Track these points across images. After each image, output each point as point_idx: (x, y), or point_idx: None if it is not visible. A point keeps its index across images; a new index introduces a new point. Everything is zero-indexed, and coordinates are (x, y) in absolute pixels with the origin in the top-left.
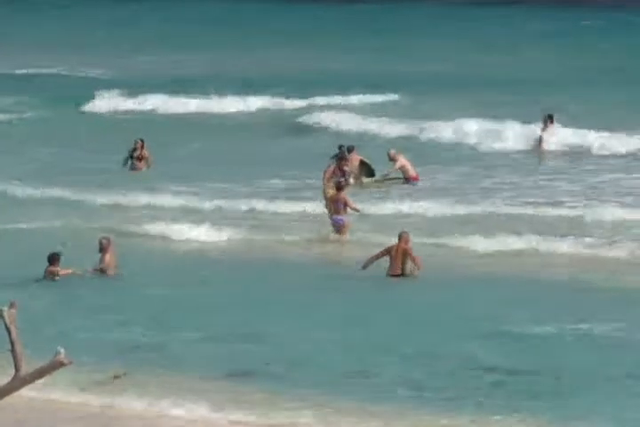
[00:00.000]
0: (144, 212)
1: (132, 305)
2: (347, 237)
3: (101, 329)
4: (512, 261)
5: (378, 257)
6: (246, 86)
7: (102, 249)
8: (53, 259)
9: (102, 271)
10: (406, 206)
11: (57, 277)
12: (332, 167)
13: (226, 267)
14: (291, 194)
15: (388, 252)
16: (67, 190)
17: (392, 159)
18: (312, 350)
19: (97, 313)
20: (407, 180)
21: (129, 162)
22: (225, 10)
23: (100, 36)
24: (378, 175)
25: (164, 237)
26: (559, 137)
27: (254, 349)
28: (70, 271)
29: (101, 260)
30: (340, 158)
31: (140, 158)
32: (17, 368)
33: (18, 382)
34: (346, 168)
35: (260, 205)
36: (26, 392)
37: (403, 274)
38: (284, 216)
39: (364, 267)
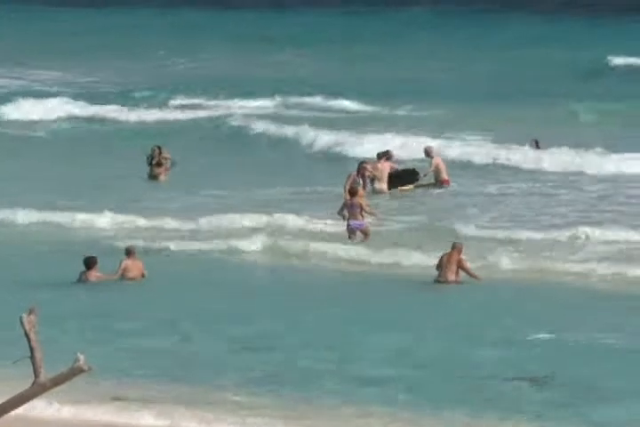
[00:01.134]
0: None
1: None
2: (368, 240)
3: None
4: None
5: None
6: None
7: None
8: (91, 262)
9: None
10: None
11: (92, 281)
12: (353, 173)
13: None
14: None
15: (440, 261)
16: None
17: (428, 155)
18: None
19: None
20: (439, 183)
21: (148, 169)
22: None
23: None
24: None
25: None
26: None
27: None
28: (104, 276)
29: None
30: (361, 164)
31: (159, 164)
32: (36, 375)
33: (38, 389)
34: (368, 173)
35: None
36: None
37: (449, 282)
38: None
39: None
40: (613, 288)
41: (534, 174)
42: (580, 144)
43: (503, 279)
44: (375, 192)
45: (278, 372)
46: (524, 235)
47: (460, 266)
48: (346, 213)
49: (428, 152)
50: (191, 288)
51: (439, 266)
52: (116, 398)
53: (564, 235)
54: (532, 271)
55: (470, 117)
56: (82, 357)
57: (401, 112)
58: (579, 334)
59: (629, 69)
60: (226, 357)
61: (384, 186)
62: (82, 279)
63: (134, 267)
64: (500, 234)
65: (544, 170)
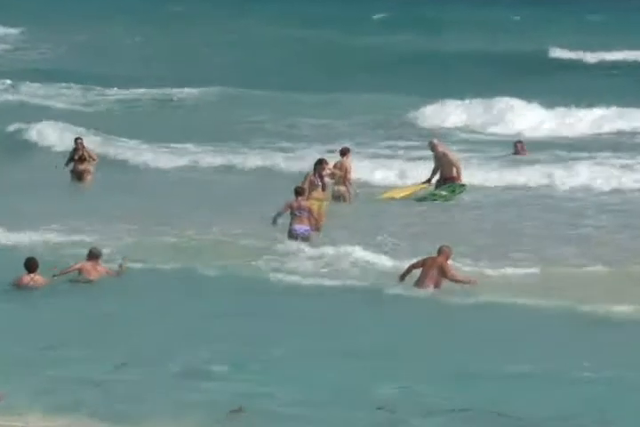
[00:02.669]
0: None
1: None
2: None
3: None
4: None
5: (415, 267)
6: None
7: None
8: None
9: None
10: None
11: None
12: (310, 173)
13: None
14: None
15: (422, 264)
16: None
17: (432, 149)
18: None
19: None
20: (446, 180)
21: (70, 165)
22: None
23: None
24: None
25: None
26: None
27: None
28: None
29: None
30: (319, 163)
31: (82, 159)
32: None
33: None
34: (327, 172)
35: None
36: None
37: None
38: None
39: (401, 278)
40: None
41: None
42: None
43: None
44: (335, 196)
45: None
46: None
47: (444, 274)
48: (279, 220)
49: (431, 147)
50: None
51: (418, 266)
52: None
53: None
54: None
55: None
56: None
57: None
58: None
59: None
60: None
61: (344, 188)
62: (20, 284)
63: (93, 270)
64: None
65: None
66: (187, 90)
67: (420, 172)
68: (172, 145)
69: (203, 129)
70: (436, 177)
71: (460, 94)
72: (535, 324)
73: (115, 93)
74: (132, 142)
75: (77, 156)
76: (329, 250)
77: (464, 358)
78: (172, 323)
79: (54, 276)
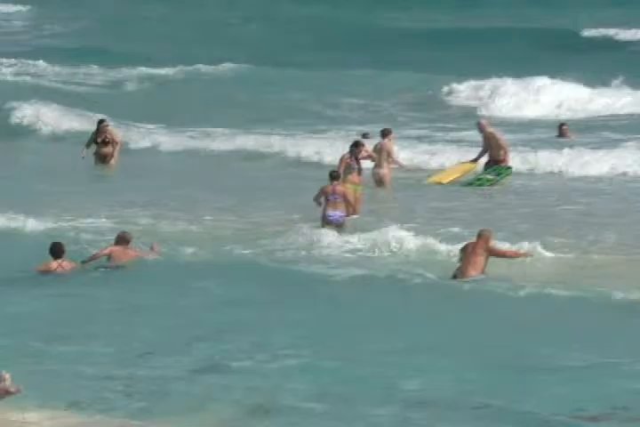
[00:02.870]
0: None
1: None
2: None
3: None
4: None
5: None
6: None
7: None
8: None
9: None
10: None
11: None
12: (345, 155)
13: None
14: None
15: (464, 250)
16: None
17: (480, 130)
18: None
19: None
20: (494, 162)
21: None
22: None
23: None
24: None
25: None
26: None
27: None
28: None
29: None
30: (356, 145)
31: (106, 142)
32: None
33: None
34: (364, 154)
35: None
36: None
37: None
38: None
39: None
40: None
41: None
42: None
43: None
44: (375, 180)
45: None
46: None
47: (494, 255)
48: (322, 200)
49: (480, 127)
50: None
51: (460, 258)
52: None
53: None
54: None
55: None
56: (7, 375)
57: None
58: None
59: None
60: None
61: (384, 171)
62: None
63: (123, 255)
64: None
65: None
66: (212, 67)
67: (462, 154)
68: (197, 128)
69: (231, 111)
70: (485, 158)
71: (494, 73)
72: (578, 313)
73: (133, 72)
74: (153, 126)
75: (101, 139)
76: (362, 237)
77: (504, 350)
78: (195, 313)
79: (83, 262)
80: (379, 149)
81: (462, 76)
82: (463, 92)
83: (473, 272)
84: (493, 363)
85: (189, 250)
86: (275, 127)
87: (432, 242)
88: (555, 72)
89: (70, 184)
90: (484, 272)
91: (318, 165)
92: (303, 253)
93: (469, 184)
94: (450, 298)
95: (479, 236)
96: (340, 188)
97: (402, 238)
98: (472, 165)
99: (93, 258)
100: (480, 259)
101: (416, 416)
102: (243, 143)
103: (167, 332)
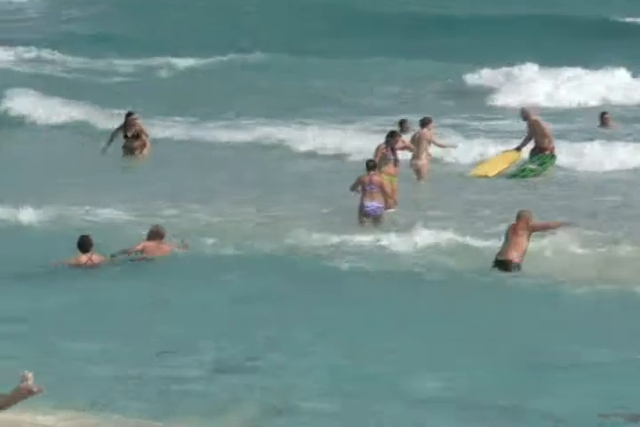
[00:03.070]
0: None
1: None
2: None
3: None
4: None
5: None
6: None
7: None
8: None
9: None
10: None
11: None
12: (381, 145)
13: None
14: None
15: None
16: None
17: (524, 118)
18: None
19: None
20: (542, 150)
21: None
22: None
23: None
24: None
25: None
26: None
27: None
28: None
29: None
30: (392, 135)
31: (136, 136)
32: None
33: None
34: (400, 145)
35: None
36: None
37: (511, 262)
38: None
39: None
40: None
41: None
42: None
43: None
44: (414, 170)
45: None
46: None
47: (537, 230)
48: (359, 189)
49: (524, 116)
50: None
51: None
52: None
53: None
54: None
55: None
56: (30, 375)
57: None
58: None
59: None
60: None
61: (422, 162)
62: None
63: (157, 250)
64: None
65: None
66: (230, 56)
67: (500, 144)
68: (220, 116)
69: (252, 99)
70: (529, 146)
71: (521, 60)
72: (606, 308)
73: (152, 63)
74: (174, 117)
75: (131, 133)
76: (391, 230)
77: (528, 347)
78: (218, 309)
79: (112, 256)
80: (417, 139)
81: (489, 63)
82: (494, 80)
83: (514, 253)
84: (520, 360)
85: (211, 241)
86: (298, 117)
87: (466, 237)
88: (587, 60)
89: (86, 176)
90: (524, 254)
91: (339, 157)
92: (329, 247)
93: (513, 176)
94: (478, 293)
95: (518, 217)
96: (376, 177)
97: (434, 233)
98: (516, 155)
99: (125, 253)
100: (521, 240)
101: (436, 416)
102: (264, 134)
103: (188, 328)
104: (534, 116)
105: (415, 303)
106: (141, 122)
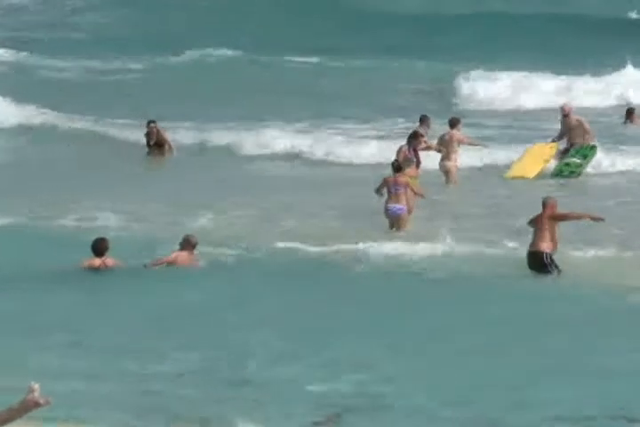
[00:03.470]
0: None
1: None
2: (404, 231)
3: None
4: None
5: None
6: None
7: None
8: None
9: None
10: None
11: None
12: (404, 147)
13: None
14: None
15: (531, 223)
16: None
17: (565, 115)
18: None
19: None
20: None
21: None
22: None
23: None
24: None
25: None
26: None
27: None
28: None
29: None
30: (414, 136)
31: (159, 144)
32: None
33: None
34: (423, 146)
35: None
36: None
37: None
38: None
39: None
40: None
41: None
42: None
43: None
44: (442, 172)
45: None
46: None
47: (560, 219)
48: (384, 192)
49: (565, 112)
50: None
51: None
52: None
53: None
54: None
55: None
56: (36, 386)
57: None
58: None
59: None
60: None
61: (451, 164)
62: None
63: (189, 260)
64: None
65: None
66: (229, 52)
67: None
68: (222, 123)
69: (256, 100)
70: (562, 144)
71: (543, 60)
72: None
73: (162, 61)
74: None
75: (153, 141)
76: (413, 234)
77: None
78: (246, 317)
79: (144, 266)
80: (447, 141)
81: (504, 65)
82: (495, 81)
83: (543, 244)
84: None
85: (230, 250)
86: (298, 118)
87: (487, 242)
88: (608, 56)
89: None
90: (555, 243)
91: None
92: (350, 252)
93: (558, 174)
94: (506, 302)
95: (544, 204)
96: (402, 179)
97: (458, 240)
98: (551, 149)
99: (157, 264)
100: (548, 229)
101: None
102: (266, 141)
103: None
104: (576, 115)
105: (433, 309)
106: (163, 129)
